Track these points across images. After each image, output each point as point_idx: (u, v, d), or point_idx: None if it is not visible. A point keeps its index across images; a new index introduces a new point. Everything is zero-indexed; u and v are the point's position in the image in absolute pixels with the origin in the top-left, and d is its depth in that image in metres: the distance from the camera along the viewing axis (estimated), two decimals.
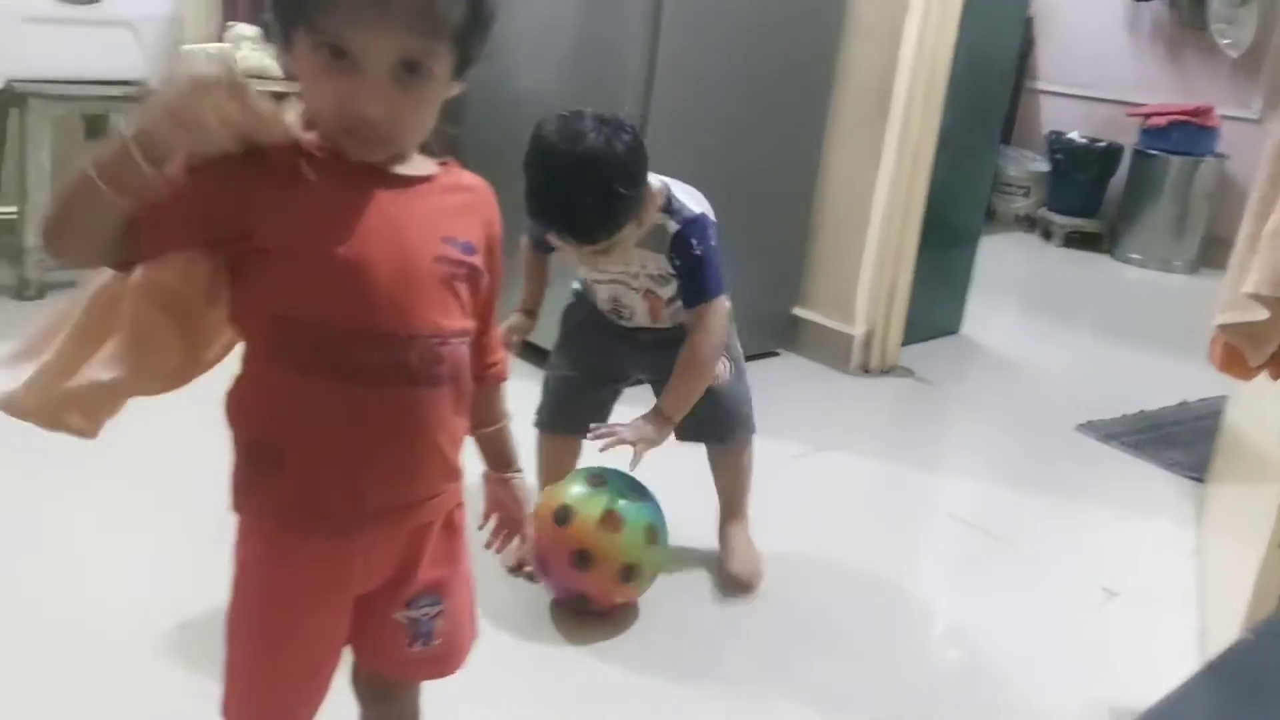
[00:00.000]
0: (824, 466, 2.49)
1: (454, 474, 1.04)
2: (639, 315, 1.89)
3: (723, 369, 1.90)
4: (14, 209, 2.95)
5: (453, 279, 0.96)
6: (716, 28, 2.63)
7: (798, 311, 3.16)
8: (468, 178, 1.02)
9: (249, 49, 3.39)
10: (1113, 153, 4.97)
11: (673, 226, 1.73)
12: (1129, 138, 4.93)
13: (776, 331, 3.14)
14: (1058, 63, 5.39)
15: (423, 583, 1.05)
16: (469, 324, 1.00)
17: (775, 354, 3.14)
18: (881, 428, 2.85)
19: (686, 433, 1.87)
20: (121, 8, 2.84)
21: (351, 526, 0.97)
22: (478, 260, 0.99)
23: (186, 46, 3.28)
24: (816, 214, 3.08)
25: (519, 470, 1.20)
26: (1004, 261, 4.54)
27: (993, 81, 3.34)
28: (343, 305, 0.90)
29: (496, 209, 1.04)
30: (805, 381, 3.00)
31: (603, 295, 1.91)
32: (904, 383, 3.07)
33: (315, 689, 1.03)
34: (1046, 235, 5.14)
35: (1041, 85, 5.46)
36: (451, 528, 1.07)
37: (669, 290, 1.84)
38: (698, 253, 1.72)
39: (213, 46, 3.34)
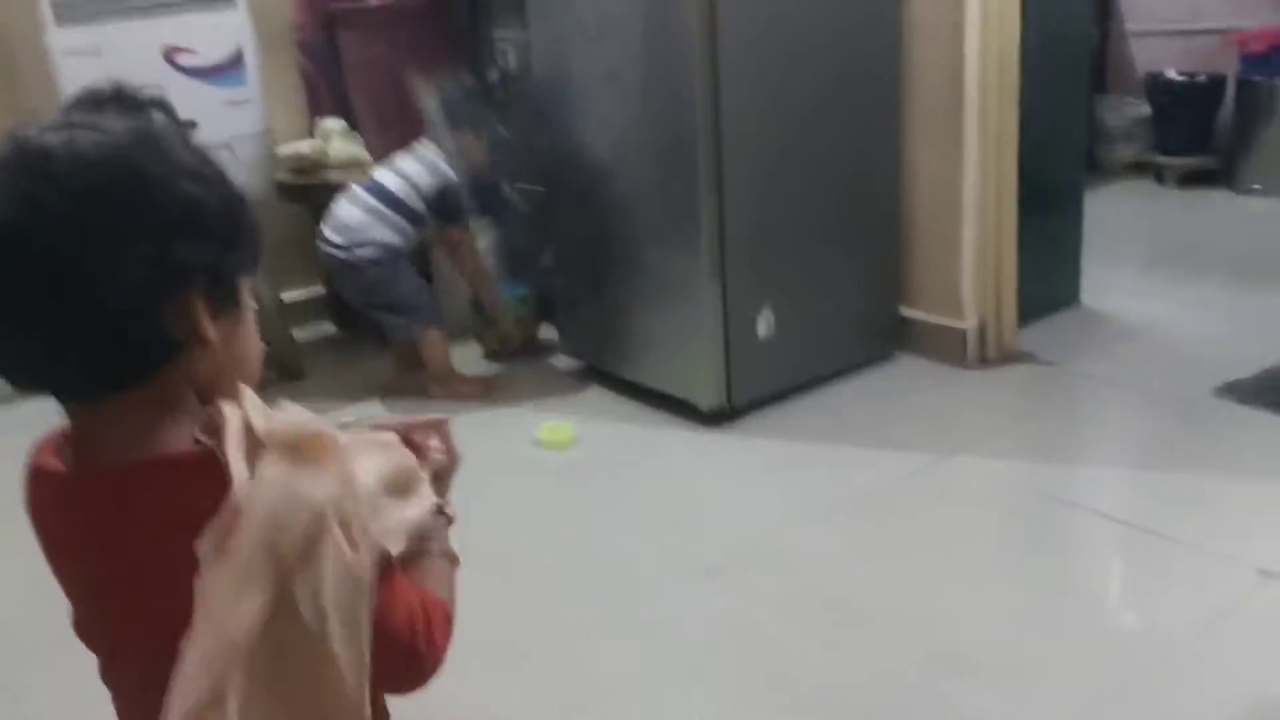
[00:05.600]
0: (954, 474, 2.47)
1: None
2: None
3: None
4: None
5: None
6: (775, 46, 2.64)
7: (905, 311, 3.13)
8: None
9: (339, 141, 3.55)
10: (1215, 85, 4.76)
11: None
12: (1230, 67, 4.71)
13: (887, 334, 3.12)
14: (1143, 2, 5.18)
15: None
16: None
17: (890, 357, 3.11)
18: (1009, 423, 2.80)
19: None
20: (218, 132, 3.00)
21: None
22: None
23: (282, 149, 3.45)
24: (907, 212, 3.06)
25: None
26: (1119, 213, 4.40)
27: (1070, 41, 3.26)
28: None
29: None
30: (924, 384, 2.97)
31: None
32: (1026, 369, 3.01)
33: None
34: (1159, 179, 4.95)
35: (1130, 26, 5.26)
36: None
37: None
38: None
39: (305, 144, 3.51)
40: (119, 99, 0.78)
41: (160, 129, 0.77)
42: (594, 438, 2.77)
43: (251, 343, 0.84)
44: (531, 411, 2.94)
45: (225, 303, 0.79)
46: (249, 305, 0.83)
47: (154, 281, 0.74)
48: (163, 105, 0.80)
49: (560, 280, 3.18)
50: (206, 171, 0.78)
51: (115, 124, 0.75)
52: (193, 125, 0.81)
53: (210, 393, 0.80)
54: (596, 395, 3.03)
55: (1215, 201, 4.68)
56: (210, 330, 0.77)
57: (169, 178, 0.75)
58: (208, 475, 0.74)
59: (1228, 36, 4.72)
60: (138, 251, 0.73)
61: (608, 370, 3.07)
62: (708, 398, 2.74)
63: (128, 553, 0.77)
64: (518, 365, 3.30)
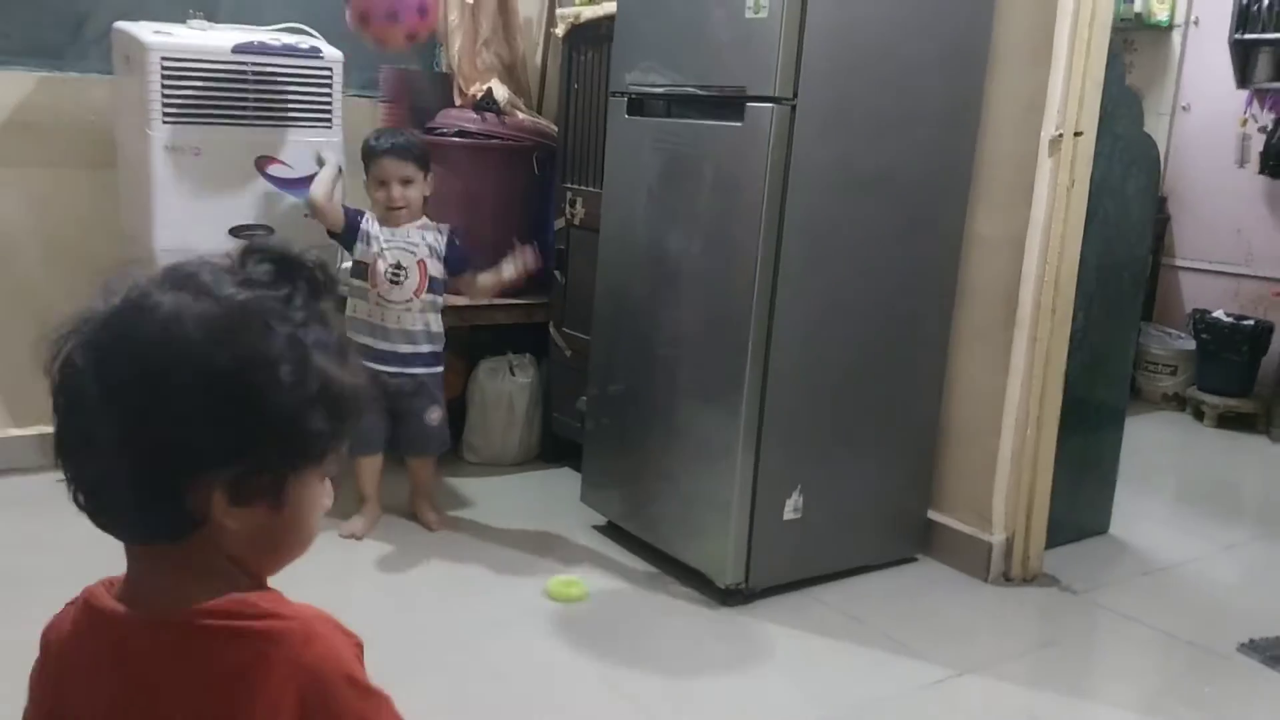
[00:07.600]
0: (963, 694, 2.40)
1: None
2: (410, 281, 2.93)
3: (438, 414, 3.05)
4: None
5: None
6: (840, 239, 2.70)
7: (933, 515, 3.11)
8: None
9: None
10: (1262, 331, 4.79)
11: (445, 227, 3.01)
12: (1278, 315, 4.76)
13: (913, 535, 3.08)
14: (1196, 240, 5.29)
15: None
16: None
17: (913, 559, 3.07)
18: (1025, 647, 2.73)
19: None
20: (292, 239, 3.08)
21: None
22: None
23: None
24: (947, 417, 3.06)
25: None
26: (1155, 444, 4.38)
27: (1127, 267, 3.30)
28: None
29: None
30: (944, 592, 2.91)
31: (389, 260, 2.92)
32: (1049, 593, 2.96)
33: None
34: (1199, 415, 4.95)
35: (1180, 262, 5.35)
36: None
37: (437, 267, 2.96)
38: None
39: None
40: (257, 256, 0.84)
41: (266, 307, 0.80)
42: (603, 598, 2.73)
43: (292, 533, 0.84)
44: (544, 561, 2.91)
45: (262, 494, 0.80)
46: (304, 499, 0.83)
47: (171, 461, 0.77)
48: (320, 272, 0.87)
49: (590, 430, 3.18)
50: (288, 377, 0.78)
51: (228, 291, 0.80)
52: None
53: (247, 566, 0.83)
54: (612, 552, 2.99)
55: (1251, 447, 4.66)
56: (228, 518, 0.79)
57: (242, 373, 0.77)
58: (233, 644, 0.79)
59: (1275, 288, 4.78)
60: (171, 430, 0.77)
61: (626, 529, 3.04)
62: (726, 574, 2.70)
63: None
64: (536, 507, 3.27)
